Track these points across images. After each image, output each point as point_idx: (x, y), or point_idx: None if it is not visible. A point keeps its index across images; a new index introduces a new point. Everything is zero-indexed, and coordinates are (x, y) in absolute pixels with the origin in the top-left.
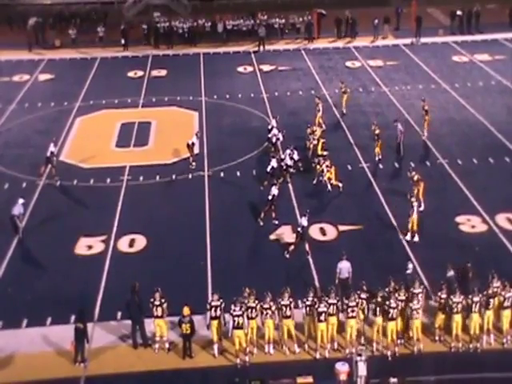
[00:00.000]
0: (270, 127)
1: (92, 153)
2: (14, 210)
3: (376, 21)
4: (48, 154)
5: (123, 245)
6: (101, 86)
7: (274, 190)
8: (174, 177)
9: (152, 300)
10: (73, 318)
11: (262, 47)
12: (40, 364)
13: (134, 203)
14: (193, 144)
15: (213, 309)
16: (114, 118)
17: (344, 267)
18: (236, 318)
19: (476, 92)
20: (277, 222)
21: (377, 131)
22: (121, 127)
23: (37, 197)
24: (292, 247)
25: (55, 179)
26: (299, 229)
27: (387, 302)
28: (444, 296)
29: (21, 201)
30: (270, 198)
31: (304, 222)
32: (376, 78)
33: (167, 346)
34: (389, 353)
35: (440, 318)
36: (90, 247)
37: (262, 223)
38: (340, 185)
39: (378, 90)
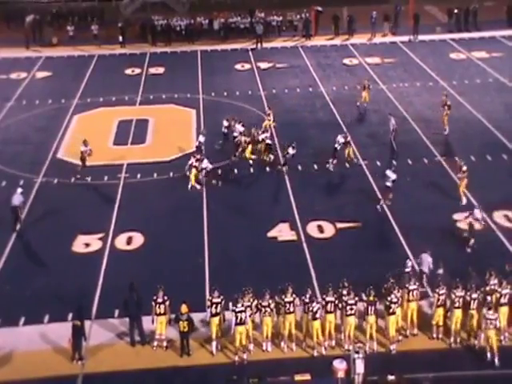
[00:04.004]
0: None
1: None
2: (14, 200)
3: (374, 15)
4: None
5: (121, 242)
6: (98, 84)
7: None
8: (171, 174)
9: (155, 298)
10: (70, 315)
11: (259, 45)
12: (37, 362)
13: (132, 201)
14: (200, 143)
15: (213, 306)
16: (112, 116)
17: (425, 260)
18: (238, 315)
19: (473, 89)
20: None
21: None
22: (118, 125)
23: (34, 194)
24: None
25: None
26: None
27: (388, 298)
28: (442, 292)
29: (19, 190)
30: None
31: (391, 175)
32: (373, 75)
33: (165, 343)
34: (391, 347)
35: (438, 314)
36: (87, 245)
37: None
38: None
39: (375, 87)
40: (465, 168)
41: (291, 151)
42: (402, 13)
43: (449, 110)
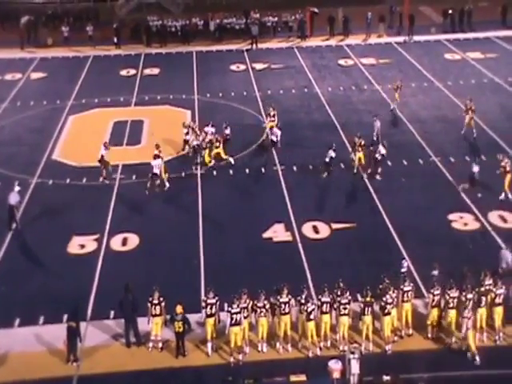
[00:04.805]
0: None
1: (84, 151)
2: (11, 199)
3: (369, 17)
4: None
5: (116, 244)
6: (93, 85)
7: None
8: (166, 175)
9: (151, 299)
10: (65, 316)
11: (254, 45)
12: (33, 363)
13: (127, 202)
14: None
15: (208, 306)
16: (107, 117)
17: (504, 257)
18: (234, 316)
19: (468, 90)
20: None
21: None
22: (113, 126)
23: (29, 196)
24: None
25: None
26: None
27: (383, 298)
28: (437, 292)
29: (17, 188)
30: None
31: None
32: (369, 76)
33: (160, 344)
34: (386, 347)
35: (433, 314)
36: (82, 246)
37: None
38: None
39: (370, 88)
40: (503, 163)
41: (332, 154)
42: (397, 13)
43: (473, 113)
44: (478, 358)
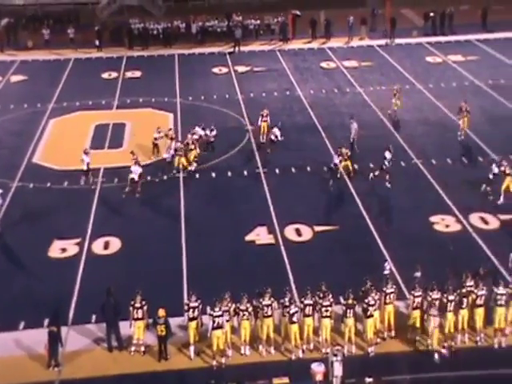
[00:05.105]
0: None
1: (66, 155)
2: None
3: (351, 20)
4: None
5: (98, 247)
6: (74, 88)
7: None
8: (149, 178)
9: (133, 302)
10: (46, 321)
11: (237, 48)
12: (13, 368)
13: (109, 205)
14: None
15: (191, 310)
16: (88, 120)
17: None
18: (216, 319)
19: (450, 92)
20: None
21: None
22: (95, 129)
23: (10, 199)
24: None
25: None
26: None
27: (366, 300)
28: (418, 294)
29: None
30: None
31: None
32: (351, 78)
33: (143, 348)
34: (369, 349)
35: (414, 316)
36: (63, 250)
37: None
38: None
39: (352, 90)
40: (503, 168)
41: (388, 155)
42: (379, 16)
43: (469, 114)
44: (437, 357)
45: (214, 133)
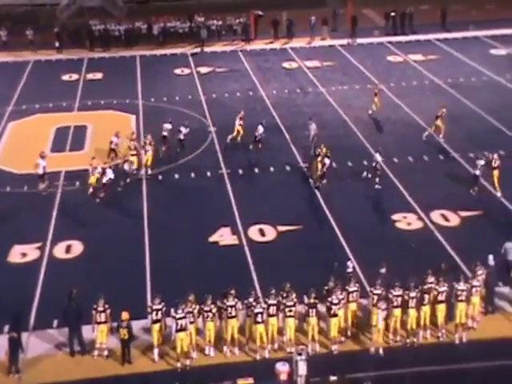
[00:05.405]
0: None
1: (26, 158)
2: None
3: (313, 20)
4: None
5: (59, 251)
6: (34, 90)
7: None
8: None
9: (95, 306)
10: (6, 327)
11: (202, 49)
12: None
13: (70, 209)
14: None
15: (154, 312)
16: (49, 123)
17: (510, 249)
18: (179, 321)
19: (410, 91)
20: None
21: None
22: (56, 132)
23: None
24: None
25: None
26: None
27: (329, 299)
28: (378, 292)
29: None
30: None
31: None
32: (313, 78)
33: (106, 352)
34: (332, 348)
35: (374, 313)
36: (24, 255)
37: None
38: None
39: (315, 90)
40: (497, 163)
41: (379, 158)
42: (341, 16)
43: (442, 120)
44: (381, 352)
45: (187, 130)
